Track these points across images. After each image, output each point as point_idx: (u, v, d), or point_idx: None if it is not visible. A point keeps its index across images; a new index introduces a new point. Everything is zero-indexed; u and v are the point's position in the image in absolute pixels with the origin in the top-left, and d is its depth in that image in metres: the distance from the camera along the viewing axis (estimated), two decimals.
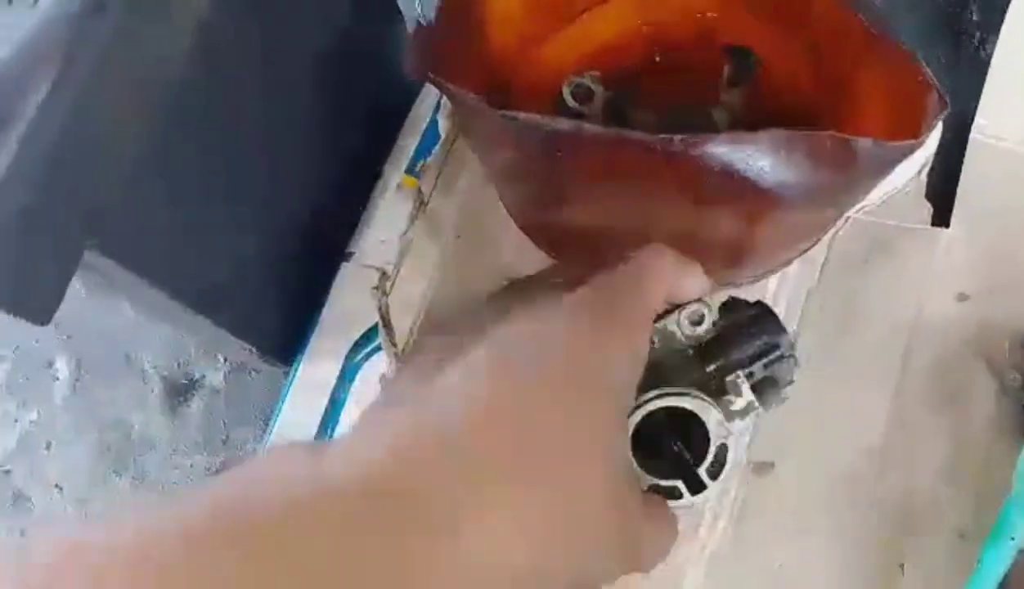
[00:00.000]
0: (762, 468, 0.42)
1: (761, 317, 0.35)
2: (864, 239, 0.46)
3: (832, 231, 0.45)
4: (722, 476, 0.32)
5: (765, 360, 0.34)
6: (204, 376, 0.51)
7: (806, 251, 0.43)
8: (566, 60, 0.47)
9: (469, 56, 0.42)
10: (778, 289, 0.45)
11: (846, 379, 0.43)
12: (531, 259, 0.46)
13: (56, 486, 0.51)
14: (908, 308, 0.44)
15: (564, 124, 0.34)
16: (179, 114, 0.32)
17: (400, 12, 0.43)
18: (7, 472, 0.52)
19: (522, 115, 0.34)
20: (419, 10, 0.39)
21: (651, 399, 0.31)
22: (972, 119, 0.46)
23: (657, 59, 0.47)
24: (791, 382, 0.35)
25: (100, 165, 0.29)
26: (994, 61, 0.47)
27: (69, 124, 0.27)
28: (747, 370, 0.33)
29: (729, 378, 0.32)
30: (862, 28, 0.36)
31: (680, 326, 0.33)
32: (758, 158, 0.32)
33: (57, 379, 0.53)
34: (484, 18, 0.43)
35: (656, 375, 0.32)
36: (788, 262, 0.43)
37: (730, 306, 0.37)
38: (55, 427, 0.52)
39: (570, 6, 0.46)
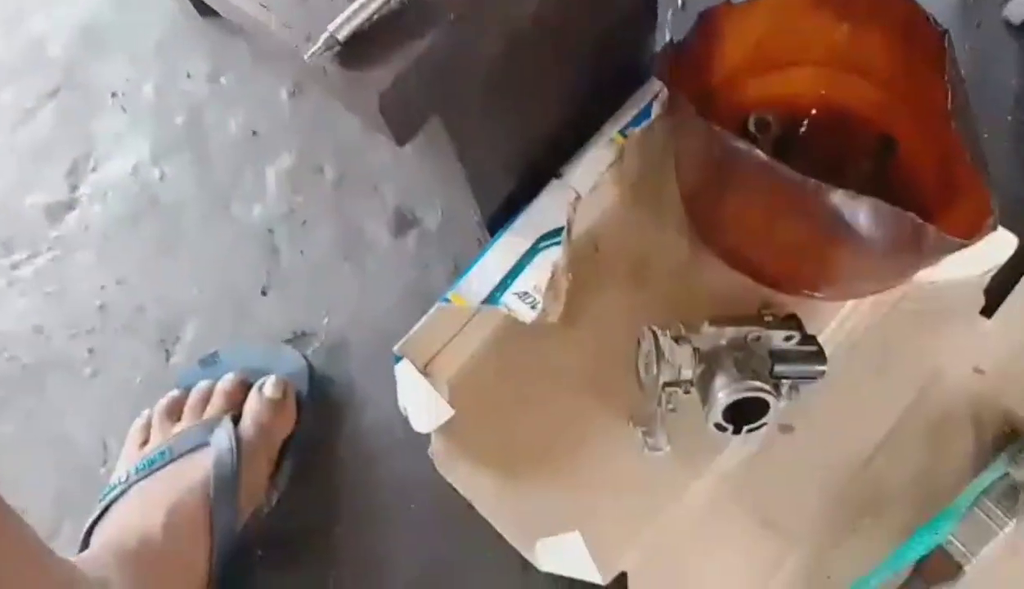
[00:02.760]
0: (785, 428, 0.58)
1: (818, 353, 0.56)
2: (925, 304, 0.60)
3: (904, 288, 0.60)
4: (756, 432, 0.55)
5: (802, 381, 0.55)
6: (424, 218, 0.70)
7: (878, 292, 0.58)
8: (760, 96, 0.63)
9: (696, 73, 0.58)
10: (850, 312, 0.60)
11: (868, 389, 0.59)
12: (678, 220, 0.63)
13: (301, 252, 0.71)
14: (936, 358, 0.59)
15: (742, 144, 0.49)
16: (511, 58, 0.49)
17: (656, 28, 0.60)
18: (271, 231, 0.73)
19: (717, 128, 0.50)
20: (670, 34, 0.55)
21: (756, 388, 0.52)
22: None
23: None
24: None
25: (462, 72, 0.47)
26: None
27: (453, 45, 0.45)
28: (792, 382, 0.55)
29: (783, 384, 0.55)
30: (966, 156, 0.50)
31: (776, 339, 0.56)
32: (859, 213, 0.48)
33: (323, 181, 0.73)
34: (715, 56, 0.59)
35: (748, 358, 0.54)
36: (864, 294, 0.59)
37: (794, 324, 0.55)
38: (310, 212, 0.73)
39: (776, 60, 0.61)
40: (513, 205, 0.61)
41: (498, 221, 0.61)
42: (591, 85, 0.61)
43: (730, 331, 0.55)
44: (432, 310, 0.59)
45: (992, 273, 0.60)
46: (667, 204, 0.64)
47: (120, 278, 0.74)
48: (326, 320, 0.69)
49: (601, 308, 0.63)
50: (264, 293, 0.71)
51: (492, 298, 0.58)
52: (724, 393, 0.53)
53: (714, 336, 0.55)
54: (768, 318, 0.59)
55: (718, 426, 0.55)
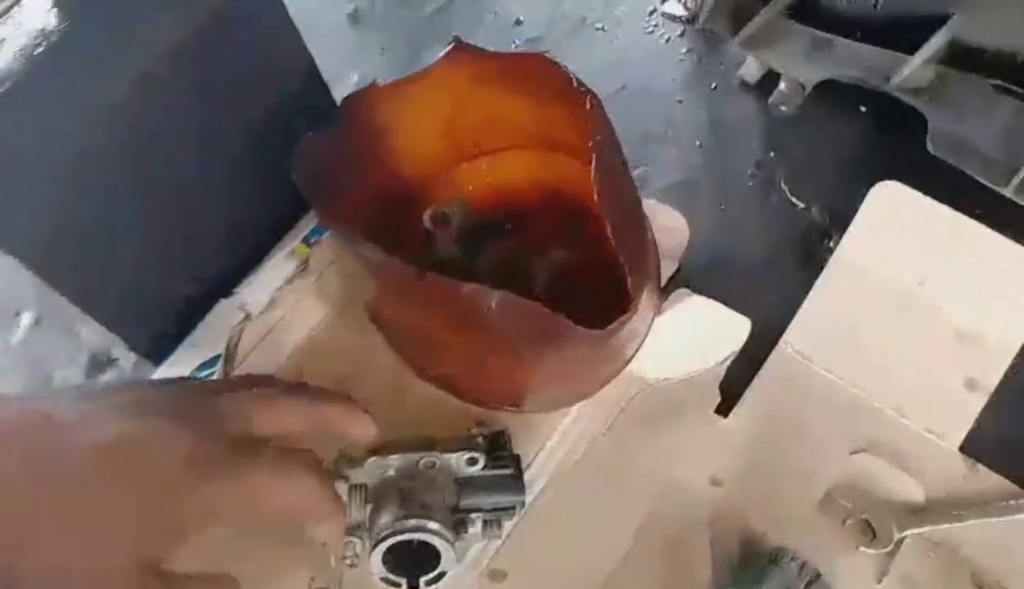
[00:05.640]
0: (496, 575, 0.48)
1: (513, 478, 0.47)
2: (655, 405, 0.52)
3: (634, 388, 0.52)
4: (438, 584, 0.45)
5: (501, 513, 0.46)
6: (119, 359, 0.62)
7: (582, 398, 0.50)
8: (476, 185, 0.56)
9: (372, 168, 0.52)
10: (570, 427, 0.52)
11: (597, 511, 0.49)
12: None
13: None
14: (671, 467, 0.50)
15: (371, 252, 0.42)
16: (114, 152, 0.43)
17: None
18: None
19: (341, 225, 0.43)
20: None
21: (414, 528, 0.43)
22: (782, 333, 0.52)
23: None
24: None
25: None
26: (813, 289, 0.53)
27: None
28: (485, 515, 0.46)
29: (474, 520, 0.45)
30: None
31: (458, 464, 0.46)
32: (492, 306, 0.40)
33: (18, 327, 0.65)
34: (389, 147, 0.53)
35: (422, 489, 0.45)
36: (569, 403, 0.50)
37: (498, 444, 0.46)
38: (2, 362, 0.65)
39: (476, 146, 0.55)
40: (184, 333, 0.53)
41: (163, 353, 0.53)
42: (257, 191, 0.54)
43: (395, 460, 0.46)
44: None
45: (728, 363, 0.52)
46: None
47: None
48: None
49: None
50: None
51: None
52: (379, 536, 0.44)
53: (380, 468, 0.46)
54: (478, 438, 0.50)
55: (385, 581, 0.45)
